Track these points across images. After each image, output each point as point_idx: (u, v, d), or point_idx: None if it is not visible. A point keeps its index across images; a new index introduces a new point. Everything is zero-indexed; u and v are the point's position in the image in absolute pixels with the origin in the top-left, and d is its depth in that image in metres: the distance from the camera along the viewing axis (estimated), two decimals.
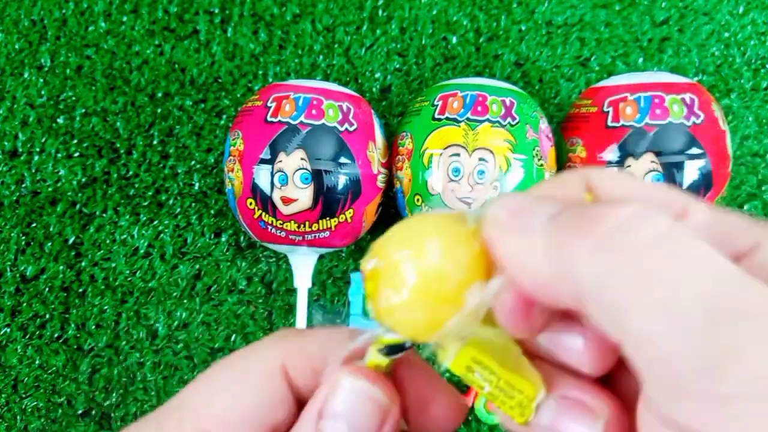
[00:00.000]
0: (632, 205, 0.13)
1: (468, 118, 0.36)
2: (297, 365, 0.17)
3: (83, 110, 0.46)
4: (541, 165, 0.37)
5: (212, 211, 0.45)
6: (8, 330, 0.44)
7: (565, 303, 0.14)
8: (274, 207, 0.36)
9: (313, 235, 0.37)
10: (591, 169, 0.17)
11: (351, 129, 0.37)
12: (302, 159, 0.36)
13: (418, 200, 0.37)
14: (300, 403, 0.18)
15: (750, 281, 0.12)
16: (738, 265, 0.13)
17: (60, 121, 0.46)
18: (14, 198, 0.45)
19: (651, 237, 0.13)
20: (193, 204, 0.45)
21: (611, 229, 0.13)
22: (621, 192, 0.16)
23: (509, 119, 0.36)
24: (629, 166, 0.36)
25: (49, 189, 0.45)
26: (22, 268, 0.44)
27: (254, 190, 0.36)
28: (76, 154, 0.46)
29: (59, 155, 0.46)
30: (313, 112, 0.36)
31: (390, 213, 0.44)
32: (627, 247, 0.13)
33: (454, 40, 0.47)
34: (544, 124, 0.38)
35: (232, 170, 0.37)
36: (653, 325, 0.12)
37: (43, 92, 0.47)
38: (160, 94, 0.46)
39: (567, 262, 0.13)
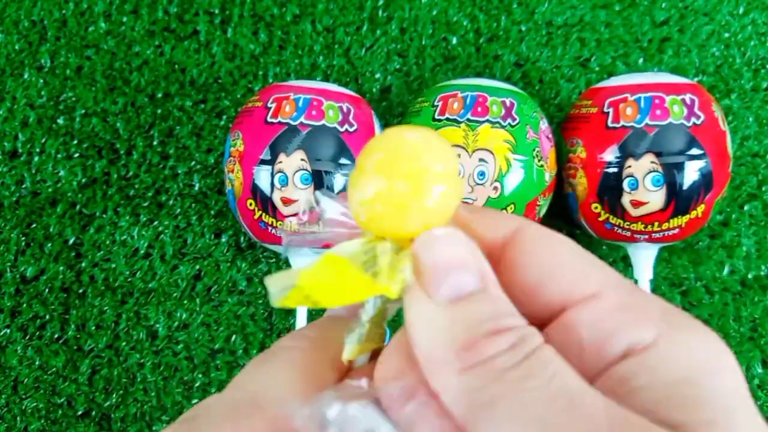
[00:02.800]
0: (513, 331, 0.15)
1: (468, 119, 0.36)
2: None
3: (83, 111, 0.46)
4: (542, 165, 0.37)
5: (212, 212, 0.45)
6: (8, 331, 0.44)
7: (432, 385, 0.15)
8: (274, 208, 0.36)
9: (312, 235, 0.37)
10: (527, 222, 0.18)
11: (351, 130, 0.37)
12: (302, 160, 0.36)
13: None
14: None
15: (596, 400, 0.14)
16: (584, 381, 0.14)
17: (60, 121, 0.46)
18: (14, 199, 0.45)
19: (515, 363, 0.14)
20: (193, 205, 0.45)
21: (487, 358, 0.14)
22: (543, 268, 0.17)
23: (509, 120, 0.36)
24: (629, 166, 0.36)
25: (49, 190, 0.45)
26: (22, 268, 0.44)
27: (254, 191, 0.36)
28: (76, 155, 0.46)
29: (59, 156, 0.46)
30: (313, 112, 0.36)
31: None
32: (491, 373, 0.14)
33: (454, 40, 0.47)
34: (544, 125, 0.38)
35: (232, 171, 0.37)
36: None
37: (43, 93, 0.47)
38: (160, 95, 0.46)
39: (438, 363, 0.15)
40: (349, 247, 0.17)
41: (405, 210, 0.16)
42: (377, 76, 0.46)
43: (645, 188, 0.36)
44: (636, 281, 0.41)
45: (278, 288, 0.16)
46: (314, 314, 0.43)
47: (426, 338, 0.15)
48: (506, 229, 0.18)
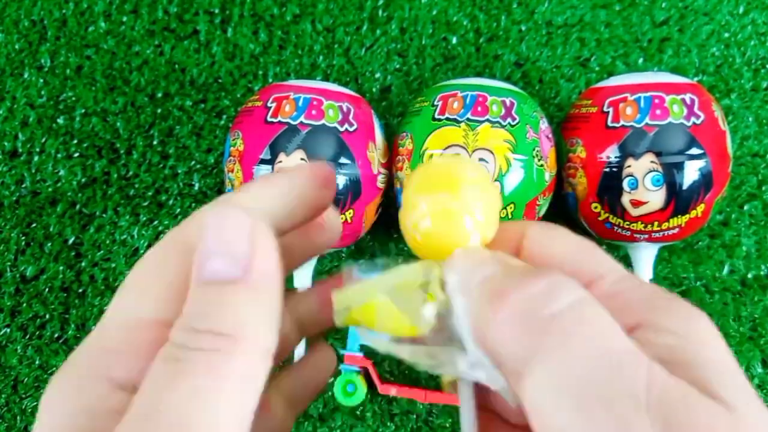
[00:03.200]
0: (546, 277, 0.15)
1: (468, 119, 0.36)
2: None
3: (83, 110, 0.46)
4: (541, 165, 0.37)
5: None
6: (8, 330, 0.44)
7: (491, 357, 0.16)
8: None
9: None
10: (529, 224, 0.19)
11: (351, 129, 0.37)
12: (302, 159, 0.36)
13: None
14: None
15: (639, 361, 0.14)
16: (631, 340, 0.15)
17: (60, 121, 0.46)
18: (14, 198, 0.45)
19: (556, 311, 0.15)
20: (193, 204, 0.45)
21: (524, 300, 0.15)
22: (544, 254, 0.18)
23: (509, 119, 0.36)
24: (629, 166, 0.36)
25: (49, 189, 0.45)
26: (22, 268, 0.44)
27: None
28: (76, 155, 0.46)
29: (59, 155, 0.46)
30: (313, 112, 0.36)
31: (390, 213, 0.44)
32: (534, 320, 0.15)
33: (454, 40, 0.47)
34: (544, 125, 0.38)
35: (232, 170, 0.37)
36: (547, 400, 0.14)
37: (43, 92, 0.47)
38: (160, 95, 0.46)
39: (484, 331, 0.15)
40: (406, 271, 0.18)
41: (451, 216, 0.18)
42: (377, 75, 0.46)
43: (645, 188, 0.36)
44: None
45: (342, 307, 0.18)
46: None
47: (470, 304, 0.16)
48: (517, 234, 0.19)
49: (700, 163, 0.35)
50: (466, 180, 0.18)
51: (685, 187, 0.35)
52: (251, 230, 0.16)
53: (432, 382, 0.42)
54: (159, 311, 0.17)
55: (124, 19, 0.48)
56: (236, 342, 0.15)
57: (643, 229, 0.37)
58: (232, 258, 0.16)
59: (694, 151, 0.35)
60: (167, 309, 0.17)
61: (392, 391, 0.40)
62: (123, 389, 0.16)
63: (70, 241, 0.45)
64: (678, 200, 0.36)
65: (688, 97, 0.36)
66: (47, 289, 0.44)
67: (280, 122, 0.36)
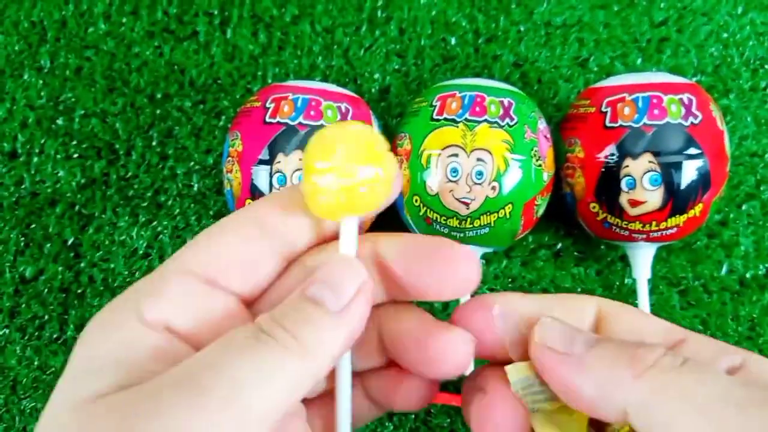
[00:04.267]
0: (658, 349, 0.18)
1: (466, 119, 0.36)
2: (282, 222, 0.21)
3: (82, 111, 0.46)
4: (540, 165, 0.37)
5: (211, 212, 0.45)
6: (7, 331, 0.44)
7: (609, 416, 0.18)
8: None
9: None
10: (602, 301, 0.21)
11: None
12: (301, 160, 0.36)
13: (416, 201, 0.37)
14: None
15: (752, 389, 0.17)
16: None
17: (59, 122, 0.46)
18: (13, 199, 0.45)
19: (677, 366, 0.17)
20: (192, 205, 0.45)
21: (649, 364, 0.18)
22: (633, 329, 0.20)
23: (507, 120, 0.36)
24: (627, 165, 0.36)
25: (48, 190, 0.45)
26: (21, 269, 0.44)
27: (253, 191, 0.36)
28: (76, 156, 0.46)
29: (58, 156, 0.46)
30: (312, 113, 0.36)
31: (388, 213, 0.44)
32: (662, 376, 0.17)
33: (453, 41, 0.47)
34: (542, 125, 0.38)
35: (231, 171, 0.37)
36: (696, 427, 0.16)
37: (42, 93, 0.47)
38: (159, 96, 0.46)
39: (613, 387, 0.18)
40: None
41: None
42: (376, 76, 0.46)
43: (643, 187, 0.36)
44: (634, 280, 0.41)
45: (516, 378, 0.20)
46: None
47: (593, 380, 0.18)
48: (589, 314, 0.21)
49: (698, 163, 0.35)
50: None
51: (683, 186, 0.35)
52: (362, 284, 0.19)
53: None
54: (210, 271, 0.20)
55: (124, 20, 0.48)
56: (302, 349, 0.17)
57: (641, 228, 0.37)
58: (338, 295, 0.19)
59: (692, 150, 0.35)
60: (220, 270, 0.20)
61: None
62: (157, 331, 0.18)
63: (69, 242, 0.45)
64: (676, 200, 0.36)
65: (686, 97, 0.36)
66: (46, 290, 0.44)
67: (278, 123, 0.36)
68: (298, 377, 0.17)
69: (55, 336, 0.44)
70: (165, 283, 0.19)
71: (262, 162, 0.36)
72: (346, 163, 0.20)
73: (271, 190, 0.36)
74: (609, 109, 0.37)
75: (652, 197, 0.36)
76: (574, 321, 0.20)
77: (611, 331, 0.20)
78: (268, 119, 0.36)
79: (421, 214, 0.37)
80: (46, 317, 0.44)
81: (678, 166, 0.35)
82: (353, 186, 0.20)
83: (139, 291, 0.19)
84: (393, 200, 0.22)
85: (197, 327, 0.19)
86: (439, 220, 0.37)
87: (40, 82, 0.47)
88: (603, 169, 0.36)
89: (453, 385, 0.42)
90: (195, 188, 0.45)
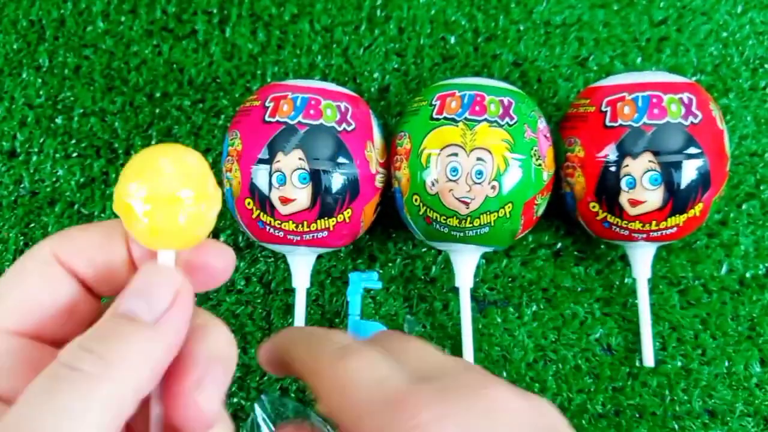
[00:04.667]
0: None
1: (466, 118, 0.36)
2: (72, 254, 0.20)
3: (81, 110, 0.46)
4: (540, 164, 0.37)
5: None
6: None
7: None
8: (272, 207, 0.36)
9: (311, 235, 0.37)
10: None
11: (349, 129, 0.37)
12: (300, 159, 0.36)
13: (416, 200, 0.37)
14: (88, 288, 0.20)
15: None
16: None
17: (58, 121, 0.46)
18: (12, 198, 0.45)
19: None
20: None
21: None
22: None
23: (507, 119, 0.36)
24: (627, 165, 0.36)
25: (48, 189, 0.45)
26: None
27: (252, 190, 0.36)
28: (75, 155, 0.46)
29: (57, 155, 0.46)
30: (311, 112, 0.36)
31: (388, 213, 0.44)
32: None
33: (453, 40, 0.47)
34: (542, 124, 0.38)
35: (230, 170, 0.37)
36: None
37: (41, 92, 0.47)
38: (158, 94, 0.46)
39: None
40: None
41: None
42: (375, 75, 0.46)
43: (643, 187, 0.36)
44: (634, 280, 0.41)
45: None
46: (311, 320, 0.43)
47: None
48: None
49: (698, 163, 0.35)
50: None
51: (683, 186, 0.35)
52: (179, 289, 0.19)
53: None
54: (19, 323, 0.19)
55: (123, 19, 0.48)
56: (111, 369, 0.16)
57: (641, 228, 0.37)
58: (151, 305, 0.18)
59: (692, 150, 0.35)
60: (26, 321, 0.19)
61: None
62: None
63: None
64: (676, 199, 0.36)
65: (686, 96, 0.36)
66: None
67: (278, 122, 0.36)
68: (118, 399, 0.16)
69: None
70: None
71: (261, 161, 0.36)
72: (159, 188, 0.19)
73: (270, 188, 0.36)
74: (609, 109, 0.37)
75: (652, 197, 0.36)
76: None
77: None
78: (267, 118, 0.36)
79: (420, 213, 0.37)
80: None
81: (678, 165, 0.35)
82: (168, 213, 0.19)
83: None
84: (207, 232, 0.21)
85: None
86: (438, 220, 0.37)
87: (39, 81, 0.47)
88: (603, 169, 0.36)
89: None
90: None
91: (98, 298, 0.21)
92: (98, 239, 0.20)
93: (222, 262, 0.21)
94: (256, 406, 0.38)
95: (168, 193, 0.19)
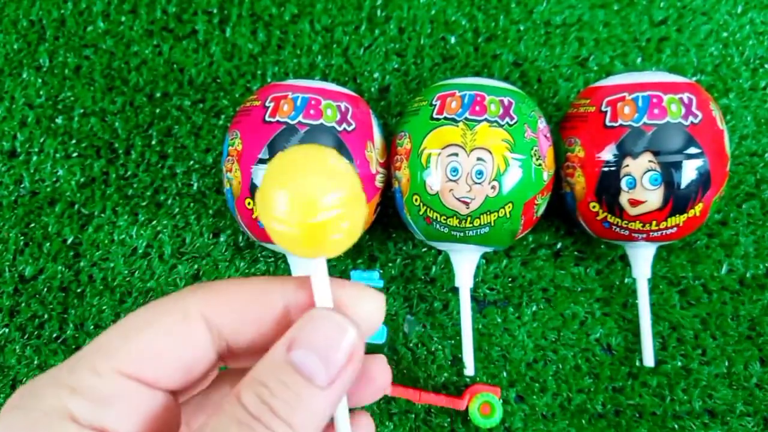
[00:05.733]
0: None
1: (466, 118, 0.36)
2: (221, 314, 0.19)
3: (82, 110, 0.46)
4: (540, 164, 0.37)
5: (211, 211, 0.45)
6: (6, 330, 0.44)
7: None
8: None
9: None
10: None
11: (349, 129, 0.37)
12: None
13: (416, 200, 0.37)
14: (231, 351, 0.19)
15: None
16: None
17: (58, 121, 0.46)
18: (13, 198, 0.45)
19: None
20: (192, 204, 0.45)
21: None
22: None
23: (507, 119, 0.36)
24: (627, 165, 0.36)
25: (48, 189, 0.45)
26: (21, 268, 0.44)
27: (252, 191, 0.36)
28: (75, 155, 0.46)
29: (58, 155, 0.46)
30: (312, 111, 0.36)
31: (388, 213, 0.44)
32: None
33: (453, 40, 0.47)
34: (542, 124, 0.38)
35: (231, 170, 0.37)
36: None
37: (41, 92, 0.47)
38: (158, 94, 0.46)
39: None
40: None
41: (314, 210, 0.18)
42: (376, 75, 0.46)
43: (643, 187, 0.36)
44: (634, 280, 0.41)
45: None
46: None
47: None
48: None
49: (698, 163, 0.35)
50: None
51: (683, 186, 0.35)
52: (353, 348, 0.18)
53: (430, 382, 0.42)
54: (141, 371, 0.18)
55: (123, 19, 0.48)
56: None
57: (641, 228, 0.37)
58: (328, 367, 0.17)
59: (692, 150, 0.35)
60: (148, 370, 0.18)
61: (387, 390, 0.40)
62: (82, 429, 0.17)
63: (69, 241, 0.45)
64: (676, 199, 0.36)
65: (686, 96, 0.36)
66: (46, 289, 0.44)
67: (278, 122, 0.36)
68: None
69: (54, 335, 0.44)
70: (98, 383, 0.18)
71: (261, 161, 0.36)
72: (306, 191, 0.17)
73: None
74: (609, 109, 0.37)
75: (652, 197, 0.36)
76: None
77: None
78: (267, 118, 0.36)
79: (421, 213, 0.37)
80: (46, 316, 0.44)
81: (678, 165, 0.35)
82: (320, 220, 0.17)
83: (65, 386, 0.17)
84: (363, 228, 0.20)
85: (133, 429, 0.18)
86: (438, 220, 0.37)
87: (39, 81, 0.47)
88: (603, 169, 0.36)
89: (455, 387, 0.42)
90: (194, 187, 0.45)
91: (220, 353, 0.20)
92: (251, 296, 0.19)
93: (384, 377, 0.21)
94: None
95: (320, 199, 0.17)
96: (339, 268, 0.43)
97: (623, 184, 0.36)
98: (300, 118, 0.36)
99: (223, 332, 0.19)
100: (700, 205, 0.36)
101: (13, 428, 0.16)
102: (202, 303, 0.19)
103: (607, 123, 0.36)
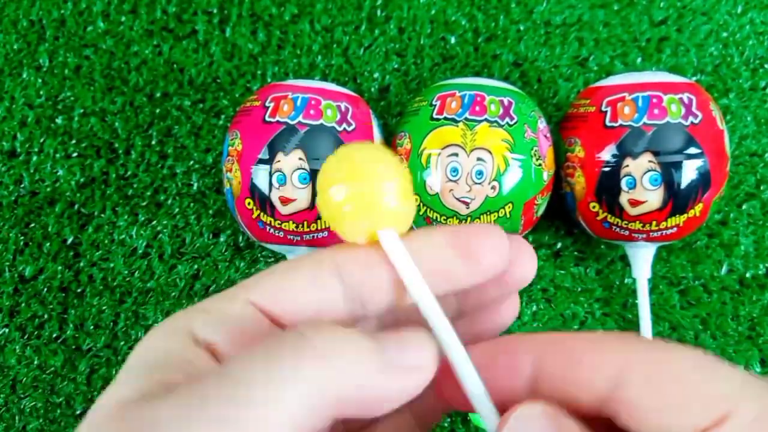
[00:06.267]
0: None
1: (466, 118, 0.36)
2: (350, 273, 0.19)
3: (82, 110, 0.46)
4: (540, 165, 0.37)
5: (211, 212, 0.45)
6: (6, 330, 0.44)
7: None
8: (273, 207, 0.36)
9: (311, 235, 0.37)
10: (632, 352, 0.17)
11: (349, 129, 0.37)
12: (300, 159, 0.36)
13: (416, 200, 0.37)
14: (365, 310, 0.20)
15: None
16: None
17: (58, 121, 0.46)
18: (13, 198, 0.45)
19: None
20: (192, 204, 0.45)
21: None
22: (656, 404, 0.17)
23: (507, 119, 0.36)
24: (627, 165, 0.36)
25: (48, 189, 0.45)
26: (21, 268, 0.44)
27: (252, 191, 0.36)
28: (75, 155, 0.46)
29: (58, 155, 0.46)
30: (312, 112, 0.36)
31: None
32: None
33: (453, 40, 0.47)
34: (542, 124, 0.38)
35: (231, 170, 0.37)
36: None
37: (41, 92, 0.47)
38: (158, 94, 0.46)
39: None
40: None
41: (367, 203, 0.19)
42: (376, 75, 0.46)
43: (643, 187, 0.36)
44: (634, 280, 0.41)
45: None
46: None
47: None
48: (604, 376, 0.17)
49: (698, 163, 0.35)
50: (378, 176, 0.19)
51: (683, 186, 0.35)
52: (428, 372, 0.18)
53: None
54: (278, 310, 0.19)
55: (123, 19, 0.48)
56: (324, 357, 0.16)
57: (641, 228, 0.37)
58: (424, 367, 0.17)
59: (692, 150, 0.35)
60: (286, 312, 0.19)
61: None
62: (200, 346, 0.18)
63: (69, 241, 0.45)
64: (676, 200, 0.36)
65: (686, 96, 0.36)
66: (46, 289, 0.44)
67: (278, 122, 0.36)
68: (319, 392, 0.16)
69: (54, 335, 0.44)
70: (228, 306, 0.19)
71: (261, 161, 0.36)
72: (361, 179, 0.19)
73: (270, 189, 0.36)
74: (609, 109, 0.37)
75: (652, 197, 0.36)
76: (578, 383, 0.17)
77: (632, 404, 0.16)
78: (267, 118, 0.36)
79: (421, 213, 0.37)
80: (46, 316, 0.44)
81: (678, 165, 0.35)
82: (375, 195, 0.19)
83: (199, 309, 0.19)
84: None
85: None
86: (439, 220, 0.37)
87: (39, 81, 0.47)
88: (603, 169, 0.36)
89: None
90: (194, 187, 0.45)
91: None
92: (306, 281, 0.19)
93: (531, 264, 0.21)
94: None
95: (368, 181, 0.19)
96: None
97: (623, 184, 0.36)
98: (300, 119, 0.36)
99: (354, 289, 0.19)
100: (700, 205, 0.36)
101: (144, 342, 0.18)
102: (337, 256, 0.19)
103: (607, 123, 0.36)
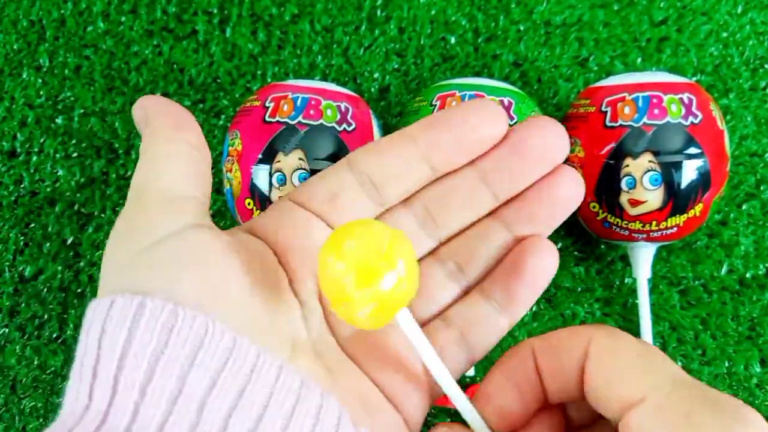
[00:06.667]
0: None
1: None
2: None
3: (82, 110, 0.46)
4: None
5: (211, 211, 0.45)
6: (6, 330, 0.44)
7: None
8: None
9: None
10: (596, 336, 0.20)
11: (349, 129, 0.37)
12: (300, 159, 0.36)
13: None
14: None
15: None
16: None
17: (58, 121, 0.46)
18: (12, 198, 0.45)
19: None
20: None
21: None
22: (610, 365, 0.20)
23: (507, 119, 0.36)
24: (627, 165, 0.36)
25: (48, 189, 0.45)
26: (21, 268, 0.44)
27: (252, 191, 0.36)
28: (75, 155, 0.46)
29: (58, 155, 0.46)
30: (312, 112, 0.36)
31: None
32: None
33: (453, 40, 0.47)
34: None
35: (230, 170, 0.37)
36: None
37: (41, 92, 0.47)
38: (158, 95, 0.46)
39: None
40: None
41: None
42: (376, 75, 0.46)
43: (643, 187, 0.36)
44: (634, 280, 0.41)
45: None
46: None
47: None
48: (580, 346, 0.20)
49: (698, 163, 0.35)
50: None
51: (683, 186, 0.35)
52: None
53: None
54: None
55: (123, 19, 0.48)
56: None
57: (641, 228, 0.37)
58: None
59: (692, 150, 0.35)
60: None
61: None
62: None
63: (69, 241, 0.45)
64: (676, 200, 0.36)
65: (686, 96, 0.36)
66: (46, 289, 0.44)
67: (278, 122, 0.36)
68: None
69: (54, 335, 0.44)
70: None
71: (261, 161, 0.36)
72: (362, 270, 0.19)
73: (270, 189, 0.36)
74: (609, 109, 0.37)
75: (652, 197, 0.36)
76: (561, 364, 0.20)
77: (590, 375, 0.19)
78: (267, 118, 0.36)
79: None
80: (46, 316, 0.44)
81: (678, 165, 0.35)
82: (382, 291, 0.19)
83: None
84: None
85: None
86: None
87: (39, 81, 0.47)
88: (603, 169, 0.36)
89: None
90: None
91: None
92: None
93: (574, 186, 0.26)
94: None
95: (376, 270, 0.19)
96: None
97: (623, 184, 0.36)
98: (300, 119, 0.36)
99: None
100: (700, 205, 0.36)
101: None
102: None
103: (607, 123, 0.36)
